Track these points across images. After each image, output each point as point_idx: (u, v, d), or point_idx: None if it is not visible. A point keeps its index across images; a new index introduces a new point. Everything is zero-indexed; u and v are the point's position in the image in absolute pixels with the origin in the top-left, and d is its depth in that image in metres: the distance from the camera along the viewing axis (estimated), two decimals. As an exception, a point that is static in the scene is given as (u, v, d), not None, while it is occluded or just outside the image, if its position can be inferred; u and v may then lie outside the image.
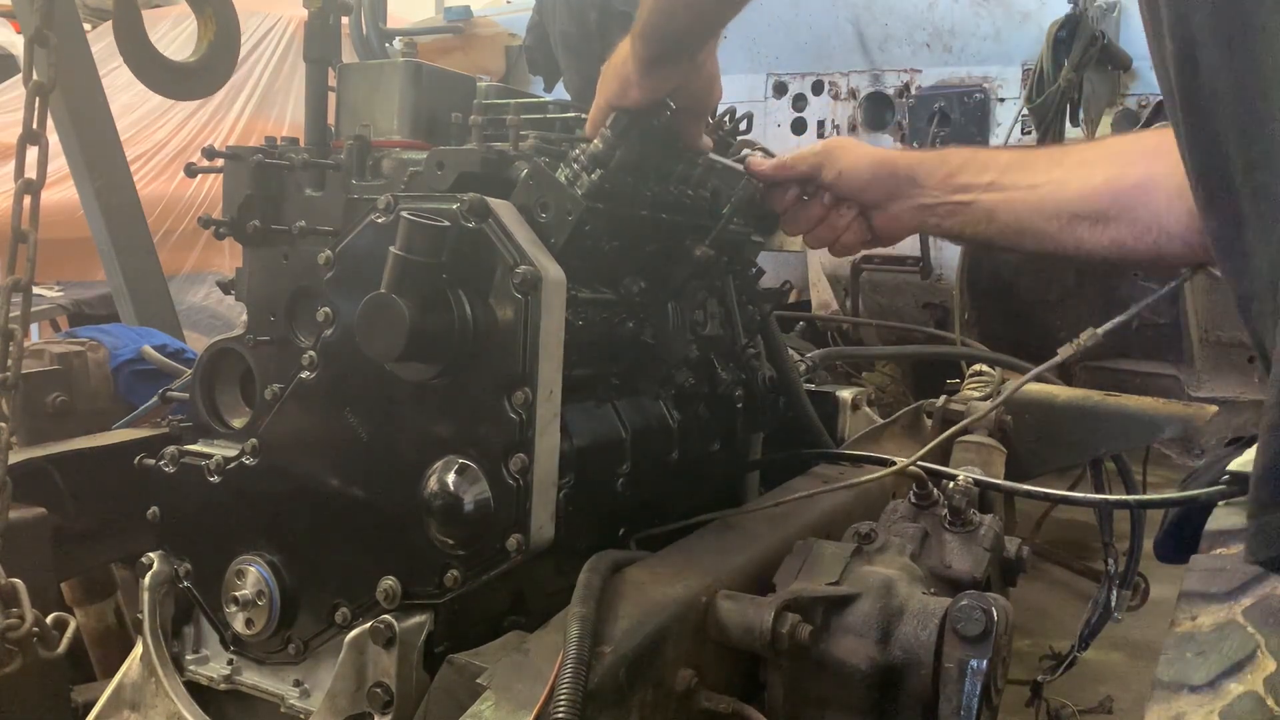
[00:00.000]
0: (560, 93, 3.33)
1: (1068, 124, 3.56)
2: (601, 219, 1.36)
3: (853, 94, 4.02)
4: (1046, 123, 3.52)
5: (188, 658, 1.51)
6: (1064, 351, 1.47)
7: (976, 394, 2.42)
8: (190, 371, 1.64)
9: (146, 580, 1.48)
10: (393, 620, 1.25)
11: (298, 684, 1.41)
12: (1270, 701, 0.74)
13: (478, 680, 1.10)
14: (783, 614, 1.21)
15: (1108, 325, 1.44)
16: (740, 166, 1.61)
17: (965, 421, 1.68)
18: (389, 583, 1.28)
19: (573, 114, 1.62)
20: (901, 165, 1.49)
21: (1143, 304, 1.46)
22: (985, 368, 2.72)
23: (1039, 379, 2.57)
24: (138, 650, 1.50)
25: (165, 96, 2.09)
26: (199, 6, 1.95)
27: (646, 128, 1.41)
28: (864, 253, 3.78)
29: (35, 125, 1.57)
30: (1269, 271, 0.82)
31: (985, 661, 1.19)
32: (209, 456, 1.45)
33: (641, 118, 1.40)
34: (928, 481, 1.56)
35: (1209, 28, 0.83)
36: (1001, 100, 3.75)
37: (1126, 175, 1.33)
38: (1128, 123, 3.67)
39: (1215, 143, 0.86)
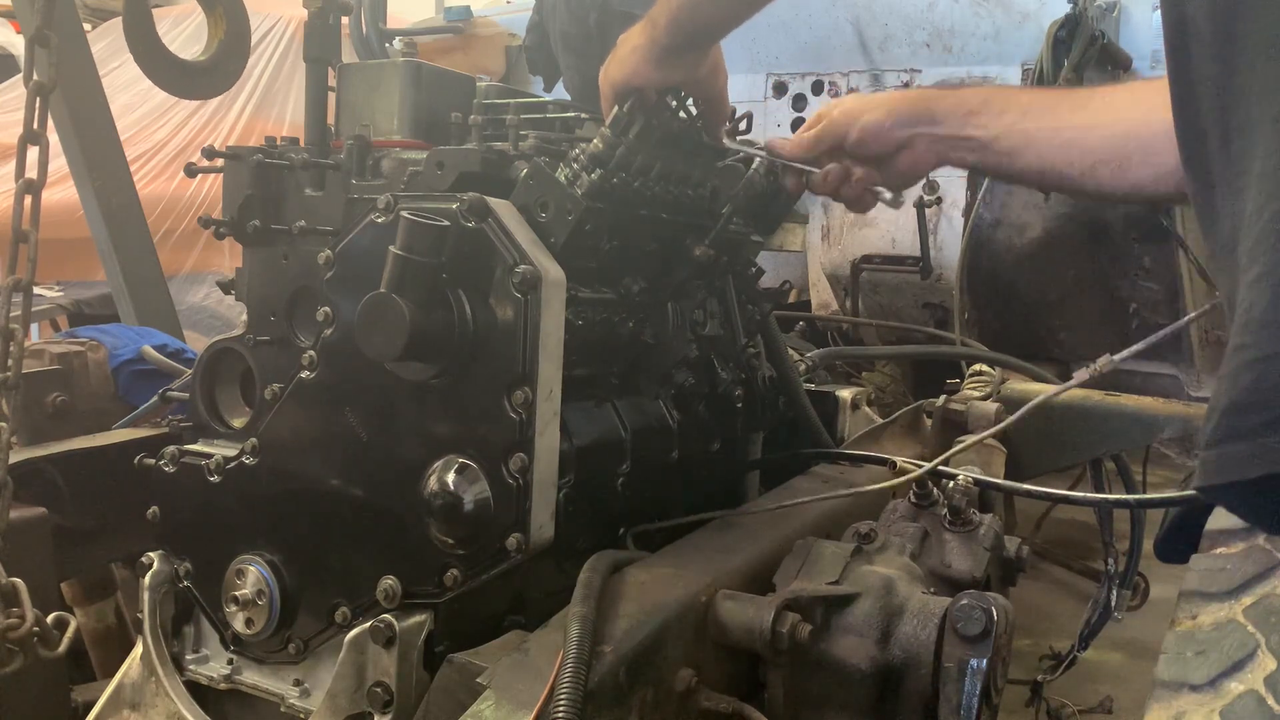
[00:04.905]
0: (560, 93, 3.32)
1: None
2: (601, 219, 1.36)
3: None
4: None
5: (188, 657, 1.51)
6: (1079, 376, 1.54)
7: (976, 394, 2.41)
8: (190, 371, 1.64)
9: (146, 580, 1.49)
10: (393, 620, 1.25)
11: (298, 683, 1.42)
12: (1271, 700, 0.74)
13: (478, 680, 1.10)
14: (783, 614, 1.21)
15: (1123, 354, 1.50)
16: (756, 151, 1.56)
17: (980, 437, 1.74)
18: (389, 582, 1.28)
19: (573, 114, 1.62)
20: (919, 105, 1.48)
21: (1155, 338, 1.51)
22: (985, 368, 2.71)
23: (1039, 379, 2.59)
24: (138, 650, 1.50)
25: (176, 95, 2.08)
26: (209, 5, 1.94)
27: (646, 127, 1.41)
28: (864, 253, 3.82)
29: (35, 125, 1.57)
30: (1230, 234, 0.87)
31: (985, 661, 1.19)
32: (209, 456, 1.45)
33: (644, 115, 1.40)
34: (928, 481, 1.56)
35: (1202, 9, 0.90)
36: (1001, 100, 3.74)
37: (1151, 120, 1.33)
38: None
39: (1198, 113, 0.92)
